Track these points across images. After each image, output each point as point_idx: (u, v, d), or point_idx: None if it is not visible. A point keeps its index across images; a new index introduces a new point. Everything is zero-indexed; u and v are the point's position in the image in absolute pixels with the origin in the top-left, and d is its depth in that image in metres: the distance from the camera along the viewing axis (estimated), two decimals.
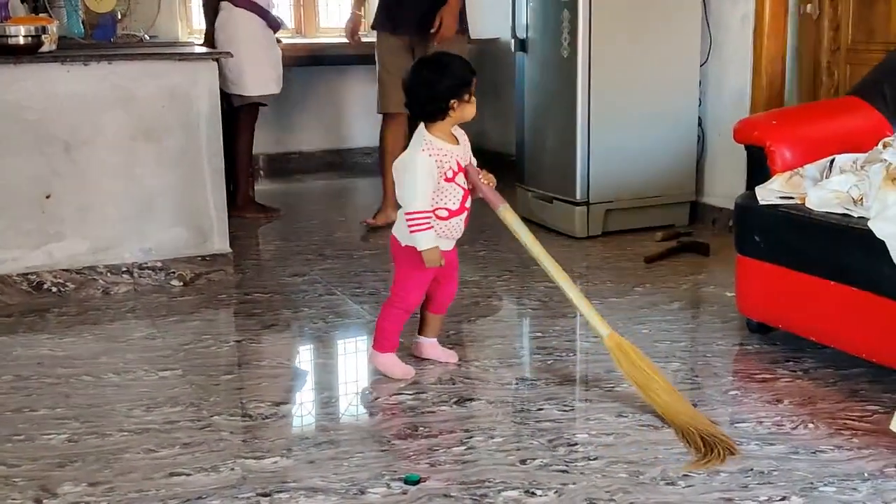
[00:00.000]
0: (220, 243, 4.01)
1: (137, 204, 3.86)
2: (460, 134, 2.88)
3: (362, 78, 6.36)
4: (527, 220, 4.82)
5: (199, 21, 6.30)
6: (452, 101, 2.76)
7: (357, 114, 6.54)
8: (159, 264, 3.91)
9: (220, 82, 4.60)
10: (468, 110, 2.80)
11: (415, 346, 3.07)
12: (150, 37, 5.26)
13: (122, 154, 3.81)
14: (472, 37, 6.35)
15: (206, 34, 5.09)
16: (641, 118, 4.62)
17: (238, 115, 5.12)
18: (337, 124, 6.57)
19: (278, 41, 5.19)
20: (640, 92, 4.61)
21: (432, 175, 2.76)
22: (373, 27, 4.88)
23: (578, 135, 4.54)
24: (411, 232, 2.77)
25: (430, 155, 2.76)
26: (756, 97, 4.50)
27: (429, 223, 2.76)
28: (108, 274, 3.84)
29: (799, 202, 2.95)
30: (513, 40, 4.99)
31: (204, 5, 5.11)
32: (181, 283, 3.93)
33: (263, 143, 5.90)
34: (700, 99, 4.78)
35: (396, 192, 2.84)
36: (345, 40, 5.29)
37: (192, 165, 3.91)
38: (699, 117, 4.79)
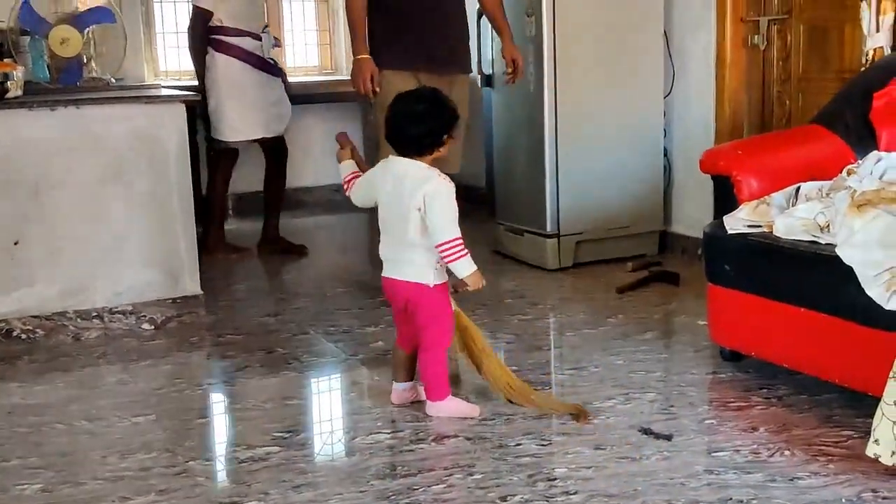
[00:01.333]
0: (191, 285, 3.99)
1: (107, 247, 3.83)
2: None
3: (326, 116, 6.40)
4: (498, 254, 4.89)
5: (164, 63, 6.31)
6: (447, 136, 2.80)
7: (323, 151, 6.53)
8: (130, 308, 3.87)
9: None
10: (449, 148, 2.86)
11: (394, 395, 3.02)
12: (116, 80, 5.23)
13: (91, 197, 3.79)
14: None
15: (198, 81, 5.05)
16: (609, 150, 4.66)
17: (215, 158, 5.11)
18: (303, 162, 6.54)
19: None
20: (607, 124, 4.65)
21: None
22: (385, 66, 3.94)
23: (547, 168, 4.56)
24: (453, 260, 2.76)
25: (449, 182, 2.79)
26: (720, 127, 4.56)
27: (466, 248, 2.79)
28: (79, 319, 3.80)
29: (767, 230, 2.98)
30: (479, 76, 5.02)
31: (193, 56, 5.06)
32: (152, 327, 3.89)
33: (232, 182, 5.87)
34: (665, 129, 4.82)
35: (431, 224, 2.74)
36: (306, 78, 5.23)
37: (161, 207, 3.89)
38: (665, 148, 4.83)
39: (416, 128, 2.78)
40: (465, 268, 2.79)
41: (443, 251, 2.76)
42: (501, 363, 3.02)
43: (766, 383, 3.07)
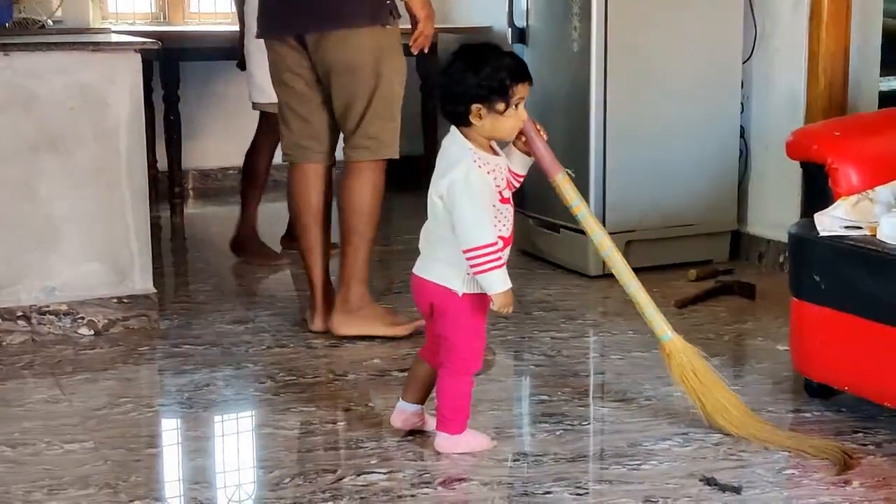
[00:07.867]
0: (141, 282, 4.01)
1: (38, 232, 3.85)
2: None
3: None
4: (527, 254, 4.90)
5: (115, 2, 6.34)
6: (476, 107, 2.74)
7: None
8: (64, 308, 3.89)
9: None
10: (502, 124, 2.77)
11: (397, 415, 3.03)
12: (53, 22, 5.27)
13: (20, 170, 3.80)
14: (457, 24, 6.36)
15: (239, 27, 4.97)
16: (670, 127, 4.66)
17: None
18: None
19: None
20: (669, 94, 4.65)
21: (491, 195, 2.77)
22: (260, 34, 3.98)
23: (592, 148, 4.57)
24: (480, 272, 2.74)
25: (487, 172, 2.77)
26: (813, 102, 4.54)
27: (501, 258, 2.76)
28: (0, 320, 3.82)
29: (869, 233, 2.98)
30: (509, 30, 5.03)
31: None
32: (92, 332, 3.91)
33: (192, 157, 5.89)
34: (743, 104, 4.82)
35: (454, 222, 2.75)
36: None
37: (108, 185, 3.91)
38: (741, 127, 4.83)
39: (442, 88, 2.81)
40: (495, 284, 2.76)
41: (469, 258, 2.75)
42: (738, 402, 3.04)
43: (863, 426, 3.07)
